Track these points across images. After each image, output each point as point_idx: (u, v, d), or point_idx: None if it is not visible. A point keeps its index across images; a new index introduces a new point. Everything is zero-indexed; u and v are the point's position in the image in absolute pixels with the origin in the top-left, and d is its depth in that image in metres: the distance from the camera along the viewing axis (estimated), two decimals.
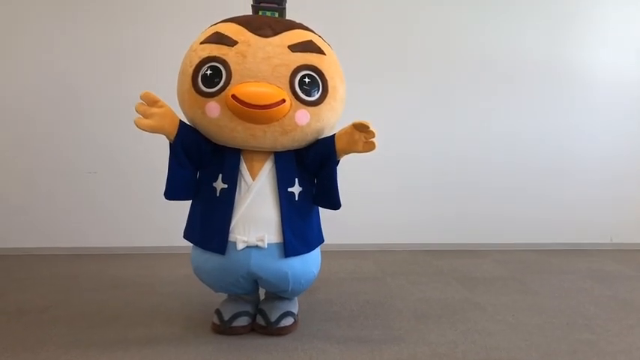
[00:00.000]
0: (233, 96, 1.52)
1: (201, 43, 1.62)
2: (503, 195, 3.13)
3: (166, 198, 1.67)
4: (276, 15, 1.75)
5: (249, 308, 1.85)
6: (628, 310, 2.12)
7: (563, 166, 3.17)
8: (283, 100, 1.54)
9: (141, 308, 2.04)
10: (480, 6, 3.01)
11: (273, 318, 1.79)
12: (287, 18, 1.78)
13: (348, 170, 3.00)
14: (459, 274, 2.58)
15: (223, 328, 1.79)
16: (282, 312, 1.81)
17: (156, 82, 2.75)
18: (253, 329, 1.82)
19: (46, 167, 2.83)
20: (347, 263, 2.73)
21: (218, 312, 1.83)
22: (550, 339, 1.82)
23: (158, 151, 2.79)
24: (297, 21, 1.74)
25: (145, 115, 1.55)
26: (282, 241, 1.67)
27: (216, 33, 1.62)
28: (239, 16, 1.70)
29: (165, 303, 2.11)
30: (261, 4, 1.74)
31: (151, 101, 1.56)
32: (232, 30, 1.61)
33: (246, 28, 1.61)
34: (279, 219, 1.67)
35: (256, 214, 1.66)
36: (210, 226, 1.68)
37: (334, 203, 1.73)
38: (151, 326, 1.87)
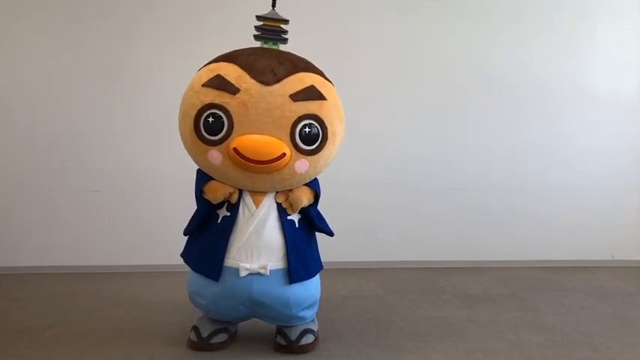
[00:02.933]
0: (235, 149, 1.57)
1: (203, 85, 1.62)
2: (504, 212, 3.14)
3: (185, 235, 1.83)
4: (279, 45, 1.78)
5: (227, 325, 1.85)
6: (629, 327, 2.12)
7: (564, 183, 3.18)
8: (284, 154, 1.59)
9: (142, 327, 2.04)
10: (479, 23, 3.05)
11: (293, 337, 1.79)
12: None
13: (350, 188, 3.02)
14: (460, 292, 2.58)
15: (201, 345, 1.79)
16: (301, 330, 1.81)
17: (157, 103, 2.81)
18: (274, 348, 1.82)
19: (49, 186, 2.84)
20: (348, 281, 2.73)
21: (195, 328, 1.82)
22: (552, 357, 1.82)
23: (159, 171, 2.85)
24: (298, 53, 1.77)
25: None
26: (285, 267, 1.70)
27: (218, 77, 1.62)
28: (240, 55, 1.68)
29: (166, 321, 2.10)
30: (264, 35, 1.77)
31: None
32: (234, 74, 1.61)
33: (249, 74, 1.61)
34: (284, 245, 1.70)
35: (260, 241, 1.68)
36: (206, 252, 1.71)
37: (326, 233, 1.86)
38: (152, 344, 1.86)
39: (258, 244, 1.67)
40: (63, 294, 2.46)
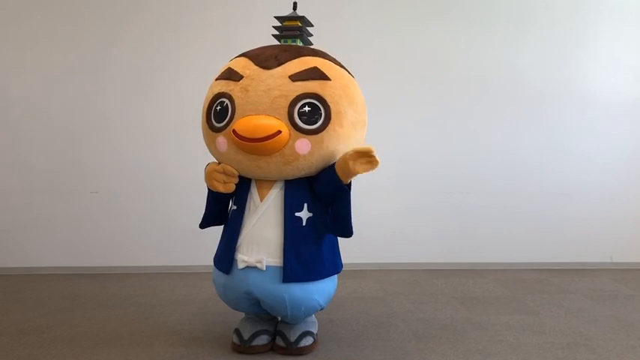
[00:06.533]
0: (233, 131, 1.60)
1: (216, 79, 1.74)
2: (504, 214, 3.13)
3: (200, 227, 1.85)
4: (298, 41, 1.82)
5: (268, 327, 1.85)
6: (628, 330, 2.12)
7: (563, 185, 3.17)
8: (279, 132, 1.57)
9: (142, 328, 2.04)
10: (478, 25, 3.05)
11: (292, 338, 1.79)
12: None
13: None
14: (459, 294, 2.58)
15: (243, 348, 1.79)
16: (301, 332, 1.81)
17: (156, 104, 2.82)
18: (272, 349, 1.83)
19: (48, 187, 2.85)
20: (348, 283, 2.73)
21: (237, 331, 1.83)
22: (550, 359, 1.82)
23: (158, 173, 2.86)
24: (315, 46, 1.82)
25: (226, 185, 1.70)
26: (282, 264, 1.66)
27: (228, 69, 1.72)
28: (254, 49, 1.78)
29: (166, 323, 2.10)
30: (284, 32, 1.82)
31: (231, 174, 1.69)
32: (241, 65, 1.70)
33: (254, 62, 1.68)
34: (282, 242, 1.67)
35: (259, 235, 1.69)
36: (222, 247, 1.79)
37: (346, 231, 1.70)
38: (152, 346, 1.87)
39: (258, 238, 1.69)
40: (62, 295, 2.47)
